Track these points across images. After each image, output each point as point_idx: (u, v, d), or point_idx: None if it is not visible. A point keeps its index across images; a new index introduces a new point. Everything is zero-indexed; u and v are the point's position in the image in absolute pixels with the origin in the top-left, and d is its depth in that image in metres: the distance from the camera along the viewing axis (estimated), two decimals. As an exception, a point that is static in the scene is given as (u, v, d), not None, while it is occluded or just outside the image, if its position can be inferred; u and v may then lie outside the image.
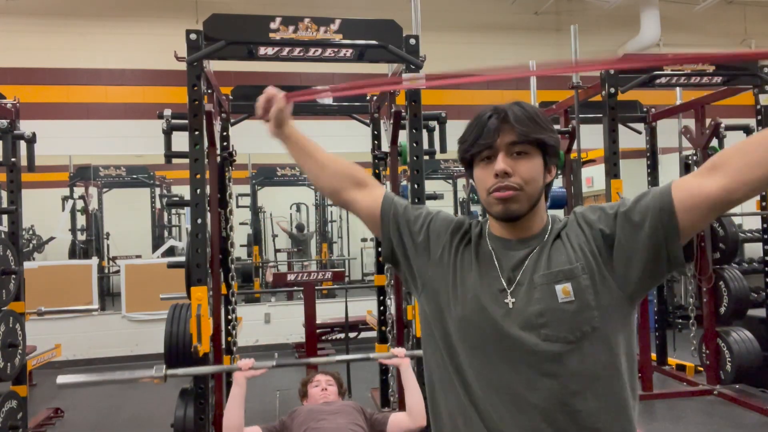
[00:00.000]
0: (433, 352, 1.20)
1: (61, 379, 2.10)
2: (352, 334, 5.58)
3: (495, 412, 1.09)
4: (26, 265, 4.00)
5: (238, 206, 7.05)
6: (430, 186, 4.78)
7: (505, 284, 1.12)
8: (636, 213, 1.06)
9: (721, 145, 4.63)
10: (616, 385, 1.08)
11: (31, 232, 7.37)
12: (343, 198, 1.34)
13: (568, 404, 1.06)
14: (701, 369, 4.70)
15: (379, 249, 4.00)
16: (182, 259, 3.40)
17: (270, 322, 6.66)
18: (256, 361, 2.39)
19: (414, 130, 2.98)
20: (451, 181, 8.88)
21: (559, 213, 3.48)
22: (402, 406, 2.50)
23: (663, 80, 4.09)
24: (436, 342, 1.18)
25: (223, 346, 3.59)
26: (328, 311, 6.11)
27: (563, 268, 1.09)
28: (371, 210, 1.31)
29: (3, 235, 3.78)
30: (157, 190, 8.24)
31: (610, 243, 1.08)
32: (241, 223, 7.53)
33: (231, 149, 3.76)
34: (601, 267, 1.08)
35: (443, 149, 3.69)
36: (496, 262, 1.15)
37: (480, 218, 1.28)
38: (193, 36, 2.81)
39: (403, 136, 3.29)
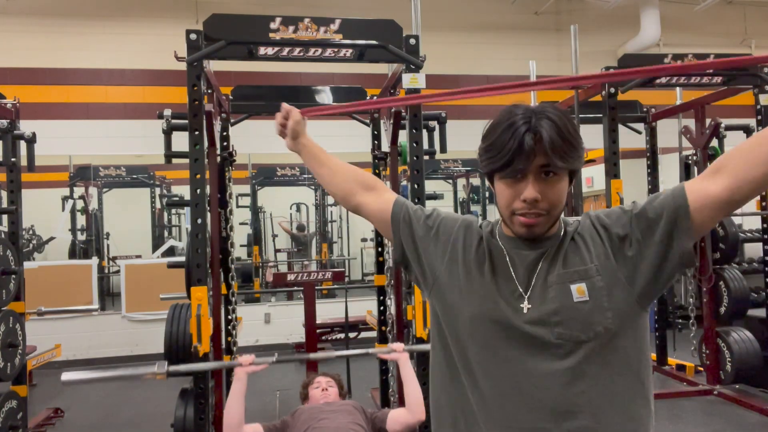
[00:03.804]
0: (442, 349, 1.20)
1: (66, 376, 2.12)
2: (352, 334, 5.59)
3: (502, 410, 1.09)
4: (26, 265, 4.00)
5: (238, 206, 7.05)
6: (430, 186, 4.78)
7: (521, 288, 1.12)
8: (651, 211, 1.07)
9: (721, 145, 4.63)
10: (625, 389, 1.08)
11: (31, 232, 7.36)
12: (354, 201, 1.37)
13: (577, 404, 1.05)
14: (701, 369, 4.70)
15: (380, 249, 4.01)
16: (182, 259, 3.40)
17: (270, 322, 6.66)
18: (257, 358, 2.40)
19: (414, 130, 2.98)
20: (451, 181, 8.89)
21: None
22: (402, 405, 2.50)
23: (663, 80, 4.09)
24: (446, 339, 1.18)
25: (223, 346, 3.59)
26: (328, 311, 6.11)
27: (578, 268, 1.09)
28: (382, 213, 1.33)
29: (3, 235, 3.78)
30: (157, 190, 8.24)
31: (625, 244, 1.09)
32: (241, 223, 7.54)
33: (231, 149, 3.75)
34: (615, 269, 1.08)
35: (443, 149, 3.69)
36: (509, 262, 1.14)
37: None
38: (193, 36, 2.81)
39: (403, 136, 3.28)
